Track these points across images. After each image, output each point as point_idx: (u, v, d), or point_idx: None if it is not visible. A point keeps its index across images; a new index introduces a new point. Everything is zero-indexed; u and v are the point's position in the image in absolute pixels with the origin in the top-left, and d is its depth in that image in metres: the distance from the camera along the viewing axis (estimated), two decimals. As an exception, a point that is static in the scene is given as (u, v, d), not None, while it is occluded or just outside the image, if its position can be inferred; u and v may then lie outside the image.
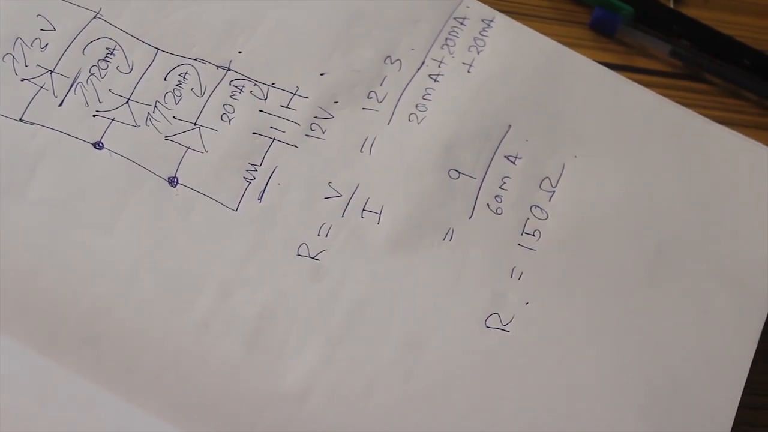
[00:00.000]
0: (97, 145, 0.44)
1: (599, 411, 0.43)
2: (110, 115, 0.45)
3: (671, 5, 0.56)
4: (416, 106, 0.48)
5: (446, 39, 0.50)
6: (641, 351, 0.44)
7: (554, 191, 0.47)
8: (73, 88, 0.45)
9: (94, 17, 0.47)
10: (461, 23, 0.50)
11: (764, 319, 0.46)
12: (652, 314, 0.45)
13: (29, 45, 0.45)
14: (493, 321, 0.44)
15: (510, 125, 0.48)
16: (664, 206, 0.47)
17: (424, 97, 0.48)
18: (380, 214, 0.45)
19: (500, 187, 0.47)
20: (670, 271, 0.46)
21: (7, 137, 0.43)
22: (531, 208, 0.47)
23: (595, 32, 0.54)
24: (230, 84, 0.47)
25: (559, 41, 0.50)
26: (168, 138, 0.45)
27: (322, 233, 0.44)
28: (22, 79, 0.45)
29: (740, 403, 0.44)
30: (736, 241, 0.47)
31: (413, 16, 0.50)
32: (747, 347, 0.45)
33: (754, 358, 0.45)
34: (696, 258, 0.47)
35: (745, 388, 0.44)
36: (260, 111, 0.46)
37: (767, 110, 0.54)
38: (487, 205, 0.46)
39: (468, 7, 0.51)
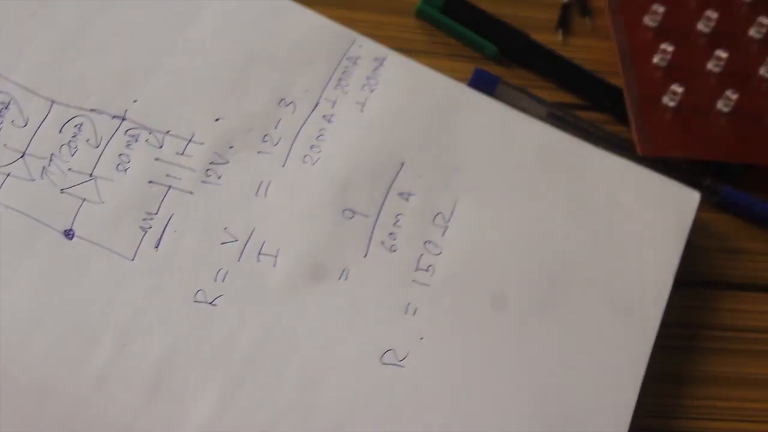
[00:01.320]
0: (-7, 200, 0.44)
1: (495, 440, 0.44)
2: (5, 170, 0.45)
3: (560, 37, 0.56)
4: (311, 148, 0.48)
5: (339, 79, 0.50)
6: (535, 379, 0.45)
7: (447, 226, 0.47)
8: (-32, 144, 0.45)
9: (-11, 72, 0.46)
10: (354, 63, 0.50)
11: (652, 343, 0.46)
12: (546, 342, 0.46)
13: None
14: (388, 357, 0.44)
15: (403, 163, 0.48)
16: (556, 237, 0.48)
17: (319, 138, 0.48)
18: (276, 257, 0.45)
19: (394, 225, 0.47)
20: (562, 300, 0.47)
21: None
22: (425, 244, 0.47)
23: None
24: (126, 133, 0.46)
25: (450, 77, 0.50)
26: (64, 190, 0.45)
27: (219, 278, 0.44)
28: None
29: (637, 426, 0.45)
30: (627, 265, 0.48)
31: (306, 58, 0.50)
32: (637, 370, 0.46)
33: (647, 379, 0.46)
34: (587, 286, 0.47)
35: (640, 410, 0.45)
36: (156, 159, 0.46)
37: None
38: (382, 242, 0.46)
39: (360, 46, 0.51)
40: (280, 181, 0.47)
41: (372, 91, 0.50)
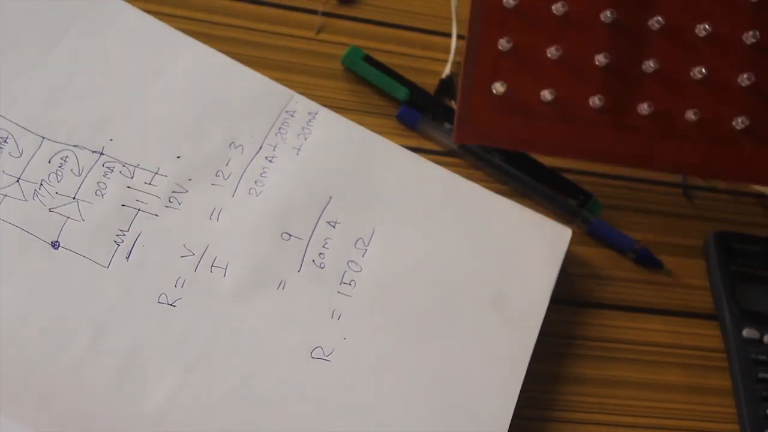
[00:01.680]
0: (-8, 216, 0.52)
1: (405, 421, 0.52)
2: (3, 192, 0.53)
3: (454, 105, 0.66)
4: (255, 182, 0.57)
5: (279, 128, 0.59)
6: (435, 374, 0.53)
7: (366, 249, 0.56)
8: (-29, 170, 0.53)
9: (-10, 112, 0.55)
10: (291, 115, 0.60)
11: (532, 349, 0.55)
12: (444, 345, 0.54)
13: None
14: (317, 353, 0.53)
15: (331, 197, 0.57)
16: (455, 260, 0.57)
17: (262, 175, 0.57)
18: (226, 269, 0.54)
19: (323, 246, 0.56)
20: (458, 312, 0.55)
21: None
22: (348, 263, 0.56)
23: (400, 123, 0.64)
24: (103, 165, 0.55)
25: (371, 130, 0.60)
26: (52, 210, 0.53)
27: (179, 285, 0.53)
28: None
29: (518, 415, 0.53)
30: (512, 286, 0.57)
31: (253, 110, 0.59)
32: (519, 370, 0.54)
33: (527, 377, 0.54)
34: (480, 300, 0.56)
35: (522, 402, 0.53)
36: (128, 187, 0.55)
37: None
38: (313, 261, 0.55)
39: (297, 102, 0.60)
40: (230, 208, 0.56)
41: (306, 138, 0.59)
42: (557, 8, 0.54)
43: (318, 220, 0.56)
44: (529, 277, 0.58)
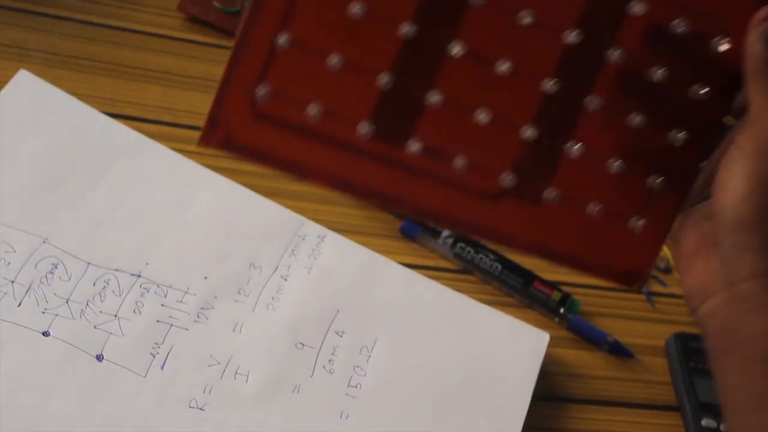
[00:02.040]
0: (45, 333, 0.59)
1: None
2: (54, 311, 0.60)
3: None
4: (272, 298, 0.64)
5: (293, 250, 0.67)
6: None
7: (370, 356, 0.64)
8: (28, 293, 0.60)
9: (43, 242, 0.62)
10: (303, 239, 0.67)
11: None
12: (440, 440, 0.62)
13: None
14: (328, 449, 0.60)
15: (338, 310, 0.65)
16: (447, 365, 0.64)
17: (278, 292, 0.65)
18: (248, 375, 0.61)
19: (332, 354, 0.63)
20: (451, 410, 0.62)
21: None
22: (354, 368, 0.63)
23: (402, 238, 0.72)
24: (140, 287, 0.62)
25: (374, 249, 0.68)
26: (96, 327, 0.60)
27: (207, 390, 0.60)
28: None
29: None
30: (497, 387, 0.64)
31: (270, 235, 0.67)
32: None
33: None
34: (471, 401, 0.63)
35: None
36: (162, 305, 0.62)
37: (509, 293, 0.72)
38: (324, 367, 0.63)
39: (308, 227, 0.68)
40: (251, 322, 0.63)
41: (316, 259, 0.67)
42: (354, 8, 0.46)
43: (327, 330, 0.64)
44: (513, 378, 0.65)
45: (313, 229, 0.68)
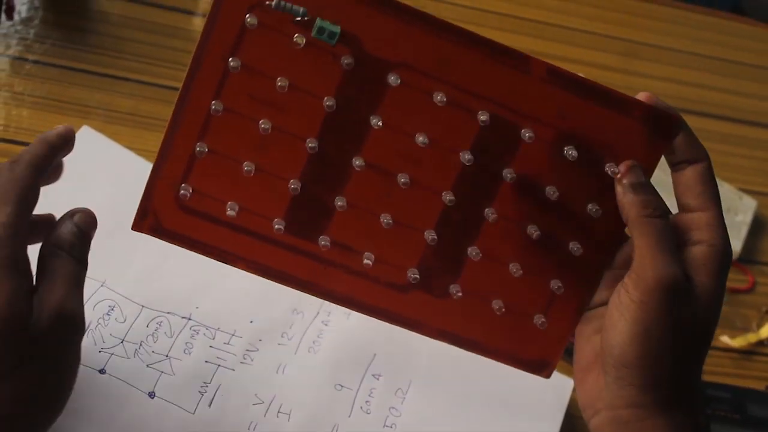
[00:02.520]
0: (102, 371, 0.62)
1: None
2: (110, 351, 0.63)
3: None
4: (313, 342, 0.67)
5: (333, 297, 0.70)
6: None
7: (405, 397, 0.66)
8: (86, 333, 0.63)
9: (101, 285, 0.66)
10: (343, 287, 0.71)
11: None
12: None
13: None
14: (365, 486, 0.62)
15: (375, 354, 0.68)
16: (477, 408, 0.67)
17: (319, 336, 0.68)
18: (290, 415, 0.64)
19: (369, 395, 0.66)
20: (481, 451, 0.65)
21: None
22: (389, 408, 0.66)
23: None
24: (190, 329, 0.66)
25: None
26: (149, 365, 0.63)
27: (251, 428, 0.62)
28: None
29: None
30: (524, 430, 0.67)
31: None
32: None
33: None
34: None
35: None
36: (210, 346, 0.65)
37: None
38: (361, 407, 0.65)
39: (347, 276, 0.71)
40: (293, 364, 0.66)
41: (354, 305, 0.70)
42: (263, 125, 0.50)
43: (365, 373, 0.67)
44: (539, 423, 0.67)
45: (352, 277, 0.71)
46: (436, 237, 0.53)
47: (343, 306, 0.54)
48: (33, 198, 0.49)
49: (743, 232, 0.86)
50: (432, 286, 0.54)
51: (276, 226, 0.52)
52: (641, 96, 0.52)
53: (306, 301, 0.69)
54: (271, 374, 0.65)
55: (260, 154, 0.51)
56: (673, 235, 0.50)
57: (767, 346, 0.81)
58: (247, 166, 0.51)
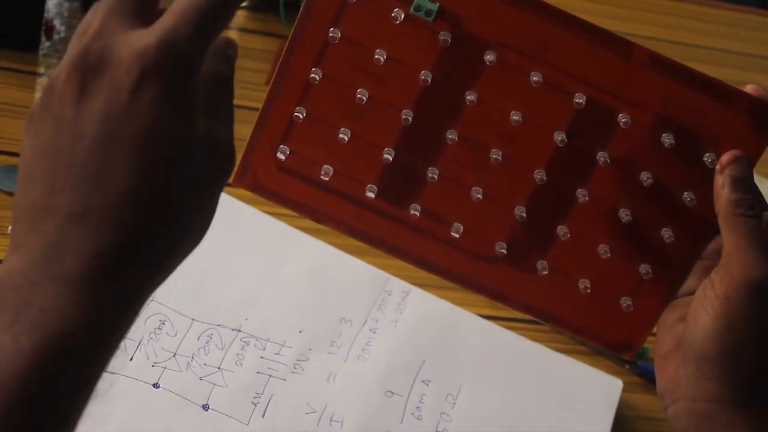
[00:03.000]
0: (156, 385, 0.62)
1: None
2: (163, 365, 0.63)
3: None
4: (362, 350, 0.67)
5: (380, 305, 0.69)
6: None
7: (455, 402, 0.66)
8: (139, 348, 0.63)
9: (151, 300, 0.65)
10: (389, 294, 0.70)
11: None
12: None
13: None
14: (419, 491, 0.62)
15: (424, 360, 0.67)
16: (526, 410, 0.66)
17: (368, 344, 0.67)
18: (342, 422, 0.63)
19: (419, 401, 0.65)
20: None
21: (95, 382, 0.61)
22: (440, 414, 0.65)
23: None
24: (241, 340, 0.65)
25: (454, 302, 0.70)
26: (202, 378, 0.63)
27: (305, 437, 0.62)
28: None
29: None
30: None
31: (358, 290, 0.69)
32: None
33: None
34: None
35: None
36: (261, 357, 0.65)
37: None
38: (412, 413, 0.64)
39: (393, 283, 0.70)
40: (343, 372, 0.65)
41: (402, 313, 0.69)
42: (360, 94, 0.50)
43: (415, 379, 0.66)
44: (590, 423, 0.67)
45: (398, 284, 0.70)
46: (525, 214, 0.52)
47: (429, 272, 0.54)
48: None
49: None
50: (519, 261, 0.53)
51: (368, 192, 0.52)
52: (748, 88, 0.50)
53: (353, 309, 0.69)
54: (322, 383, 0.64)
55: (356, 122, 0.51)
56: (763, 236, 0.49)
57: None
58: (343, 133, 0.51)
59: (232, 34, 0.88)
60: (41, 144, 0.39)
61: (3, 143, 0.72)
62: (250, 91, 0.49)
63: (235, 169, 0.51)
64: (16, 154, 0.71)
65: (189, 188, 0.40)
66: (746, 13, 1.16)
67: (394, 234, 0.53)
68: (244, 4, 0.89)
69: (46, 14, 0.79)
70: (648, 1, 1.11)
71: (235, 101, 0.76)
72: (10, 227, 0.40)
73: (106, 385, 0.61)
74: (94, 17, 0.40)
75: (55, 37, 0.80)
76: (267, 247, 0.70)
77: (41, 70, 0.78)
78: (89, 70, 0.39)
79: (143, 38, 0.39)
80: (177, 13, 0.40)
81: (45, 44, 0.80)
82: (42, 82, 0.78)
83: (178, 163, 0.39)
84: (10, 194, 0.69)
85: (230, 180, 0.50)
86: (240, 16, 0.89)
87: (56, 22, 0.81)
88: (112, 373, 0.61)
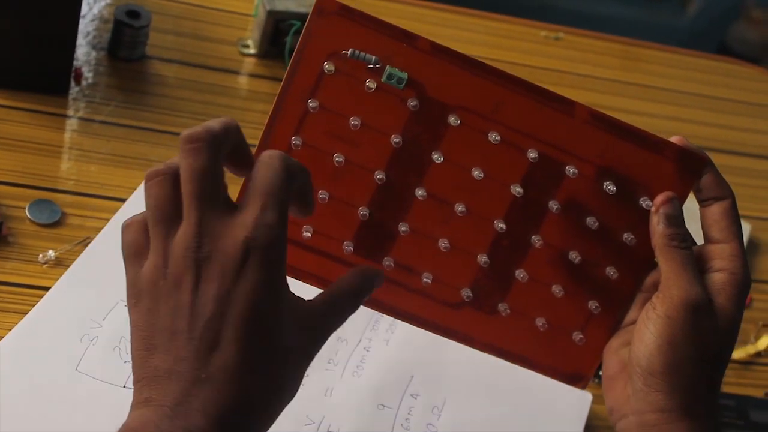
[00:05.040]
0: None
1: None
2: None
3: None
4: (357, 367, 0.68)
5: (373, 325, 0.70)
6: None
7: (440, 414, 0.66)
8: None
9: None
10: (381, 315, 0.70)
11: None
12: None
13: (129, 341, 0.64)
14: (407, 496, 0.62)
15: (413, 376, 0.68)
16: (505, 420, 0.67)
17: (362, 361, 0.68)
18: (338, 433, 0.64)
19: (408, 413, 0.66)
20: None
21: (113, 398, 0.62)
22: (427, 425, 0.66)
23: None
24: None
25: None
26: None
27: (304, 446, 0.63)
28: (125, 362, 0.63)
29: None
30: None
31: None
32: None
33: None
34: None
35: None
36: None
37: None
38: (401, 425, 0.65)
39: (385, 306, 0.71)
40: (340, 387, 0.66)
41: (393, 332, 0.70)
42: (337, 158, 0.51)
43: (404, 393, 0.67)
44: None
45: (389, 307, 0.71)
46: (488, 260, 0.53)
47: (403, 321, 0.55)
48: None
49: (739, 253, 0.86)
50: (483, 304, 0.54)
51: (346, 248, 0.53)
52: (673, 139, 0.53)
53: (349, 330, 0.69)
54: (320, 397, 0.65)
55: (334, 183, 0.52)
56: (695, 263, 0.51)
57: (764, 356, 0.80)
58: (322, 194, 0.52)
59: (242, 79, 0.89)
60: (159, 321, 0.42)
61: (35, 179, 0.74)
62: (257, 131, 0.51)
63: None
64: (45, 189, 0.72)
65: (290, 352, 0.44)
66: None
67: None
68: (252, 51, 0.90)
69: (75, 62, 0.81)
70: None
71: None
72: (132, 380, 0.43)
73: (125, 400, 0.61)
74: (189, 214, 0.42)
75: (84, 83, 0.82)
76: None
77: (70, 112, 0.80)
78: (202, 263, 0.42)
79: (257, 230, 0.42)
80: (258, 199, 0.43)
81: (74, 89, 0.81)
82: (71, 123, 0.79)
83: (281, 332, 0.43)
84: (39, 225, 0.70)
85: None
86: (249, 63, 0.90)
87: (84, 69, 0.83)
88: (131, 388, 0.62)
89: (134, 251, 0.44)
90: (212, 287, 0.42)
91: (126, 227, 0.45)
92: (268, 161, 0.44)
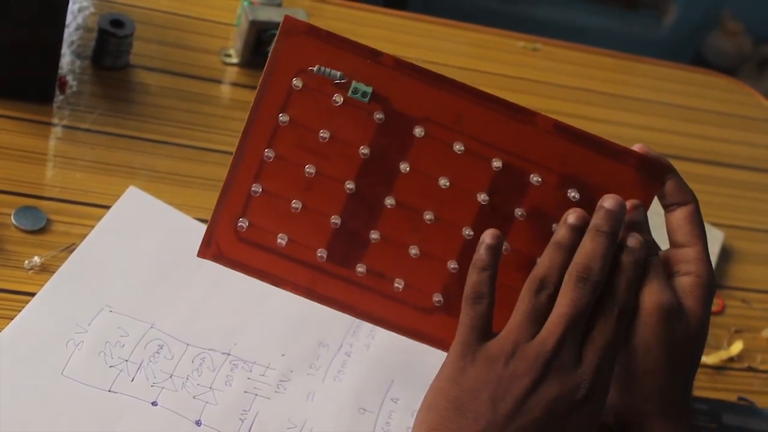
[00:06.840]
0: (154, 403, 0.63)
1: None
2: (161, 385, 0.64)
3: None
4: (338, 371, 0.68)
5: (354, 331, 0.71)
6: None
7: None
8: (139, 370, 0.64)
9: (151, 327, 0.67)
10: (362, 321, 0.72)
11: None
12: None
13: (113, 345, 0.65)
14: (388, 498, 0.63)
15: (393, 380, 0.69)
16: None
17: (343, 366, 0.69)
18: (320, 437, 0.65)
19: (389, 417, 0.67)
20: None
21: (99, 402, 0.62)
22: (407, 429, 0.66)
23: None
24: (230, 363, 0.67)
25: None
26: (195, 397, 0.64)
27: (287, 450, 0.64)
28: (110, 366, 0.64)
29: None
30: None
31: (334, 318, 0.68)
32: None
33: None
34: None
35: None
36: (248, 378, 0.66)
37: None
38: (382, 428, 0.66)
39: (366, 311, 0.72)
40: (321, 391, 0.67)
41: (373, 338, 0.71)
42: (308, 169, 0.53)
43: (384, 398, 0.68)
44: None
45: (370, 313, 0.72)
46: (457, 266, 0.55)
47: (376, 325, 0.56)
48: None
49: (713, 260, 0.88)
50: (453, 309, 0.55)
51: (319, 255, 0.54)
52: (636, 147, 0.54)
53: (330, 335, 0.70)
54: (303, 401, 0.66)
55: (306, 194, 0.54)
56: (664, 270, 0.52)
57: (737, 362, 0.82)
58: (295, 204, 0.54)
59: (224, 88, 0.90)
60: (486, 395, 0.50)
61: (20, 186, 0.74)
62: (237, 139, 0.52)
63: (200, 241, 0.55)
64: (31, 196, 0.73)
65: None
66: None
67: (344, 292, 0.56)
68: (234, 60, 0.91)
69: (60, 70, 0.81)
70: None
71: (225, 147, 0.79)
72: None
73: (110, 403, 0.62)
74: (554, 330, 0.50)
75: (68, 91, 0.82)
76: (255, 281, 0.71)
77: (55, 120, 0.80)
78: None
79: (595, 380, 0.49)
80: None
81: (59, 97, 0.82)
82: (56, 131, 0.79)
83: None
84: (24, 231, 0.70)
85: (197, 253, 0.55)
86: (231, 72, 0.91)
87: (69, 78, 0.83)
88: (116, 392, 0.63)
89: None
90: (552, 391, 0.49)
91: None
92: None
